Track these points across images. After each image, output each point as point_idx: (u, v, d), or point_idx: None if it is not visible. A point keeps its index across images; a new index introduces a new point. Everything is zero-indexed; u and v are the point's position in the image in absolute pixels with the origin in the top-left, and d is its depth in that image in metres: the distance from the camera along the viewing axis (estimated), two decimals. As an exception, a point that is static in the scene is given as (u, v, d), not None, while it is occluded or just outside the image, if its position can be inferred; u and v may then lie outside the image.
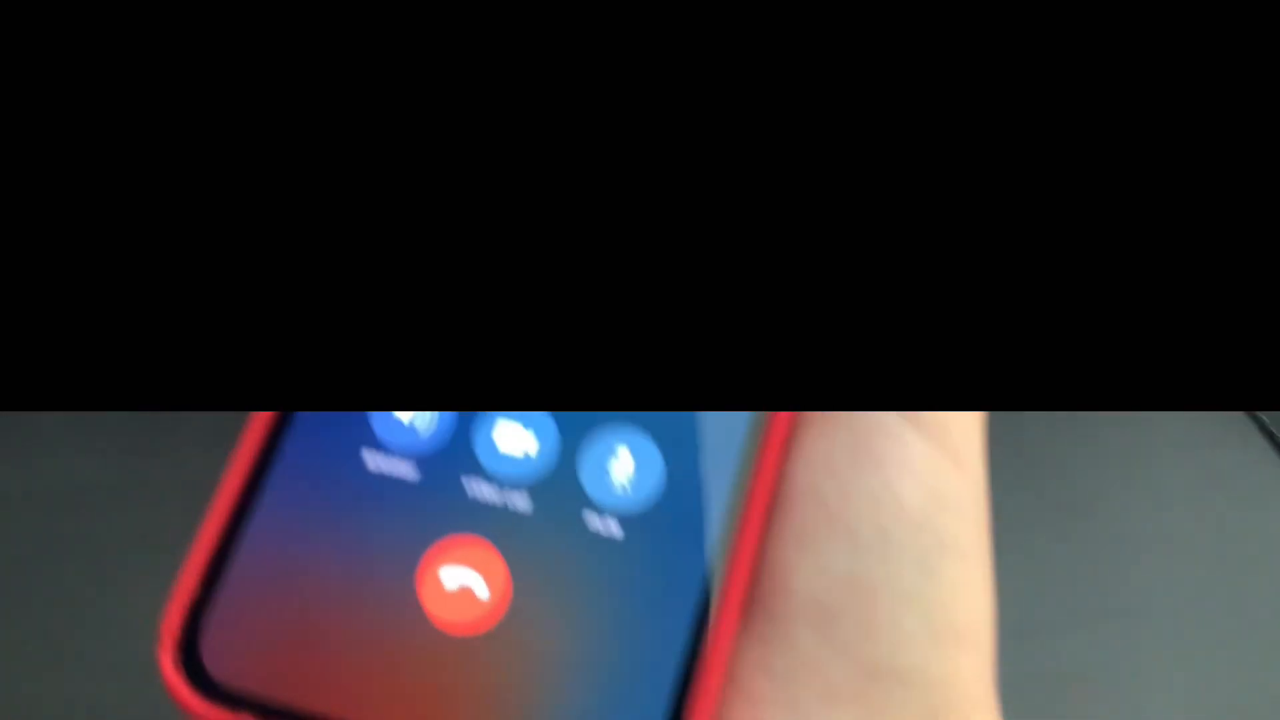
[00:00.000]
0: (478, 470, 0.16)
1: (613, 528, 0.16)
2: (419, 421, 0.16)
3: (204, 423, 0.33)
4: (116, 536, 0.31)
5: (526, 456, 0.16)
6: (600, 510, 0.16)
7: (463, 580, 0.15)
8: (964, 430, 0.16)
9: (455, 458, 0.16)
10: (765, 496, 0.16)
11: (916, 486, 0.16)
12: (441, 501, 0.16)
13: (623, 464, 0.16)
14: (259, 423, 0.16)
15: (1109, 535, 0.38)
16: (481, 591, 0.15)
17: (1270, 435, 0.40)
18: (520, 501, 0.16)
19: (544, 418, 0.16)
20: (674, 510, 0.16)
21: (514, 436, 0.16)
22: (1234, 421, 0.41)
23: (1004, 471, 0.18)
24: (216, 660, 0.15)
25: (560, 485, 0.16)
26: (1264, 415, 0.40)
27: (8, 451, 0.31)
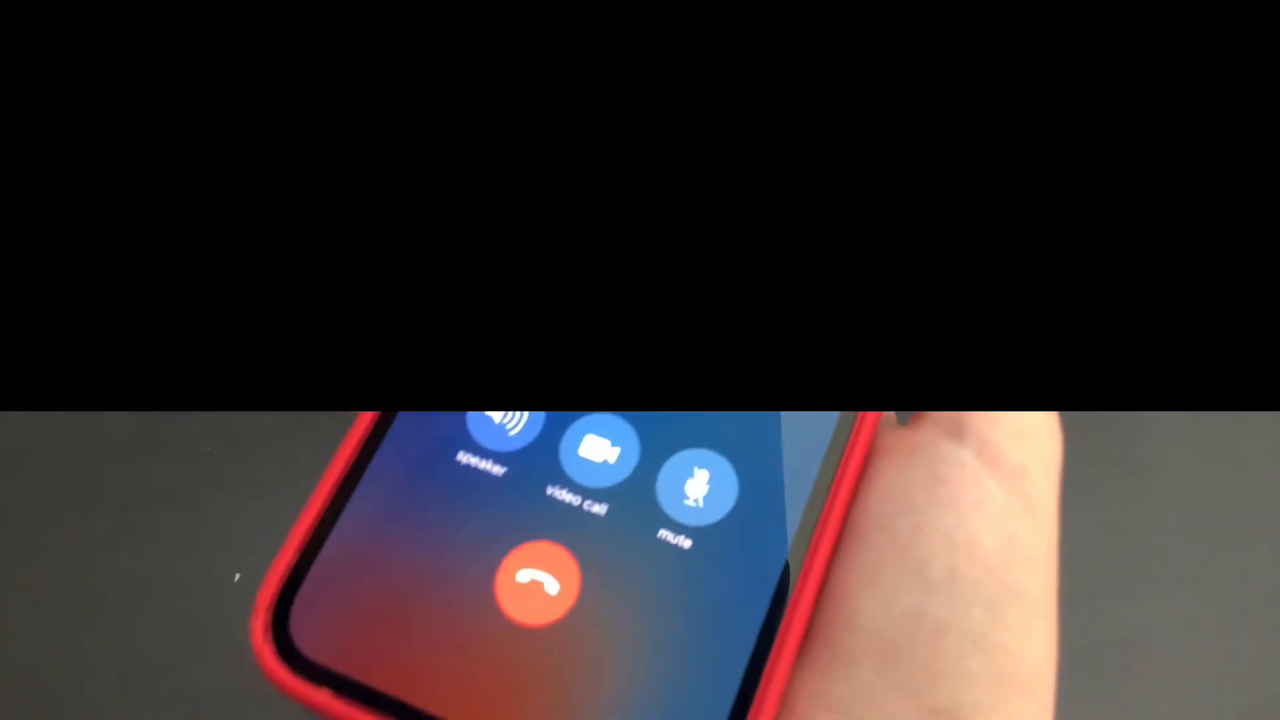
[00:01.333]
0: (560, 474, 0.17)
1: (682, 539, 0.16)
2: (509, 423, 0.17)
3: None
4: (143, 489, 0.31)
5: (606, 464, 0.17)
6: (671, 521, 0.16)
7: (535, 577, 0.16)
8: (1042, 478, 0.16)
9: (540, 460, 0.17)
10: (836, 524, 0.16)
11: (991, 530, 0.16)
12: (524, 503, 0.17)
13: (698, 480, 0.17)
14: (364, 418, 0.17)
15: (1170, 498, 0.36)
16: (552, 587, 0.16)
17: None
18: (597, 507, 0.17)
19: (627, 429, 0.17)
20: (744, 528, 0.16)
21: (597, 445, 0.17)
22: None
23: (1065, 430, 0.18)
24: (303, 635, 0.16)
25: (635, 494, 0.17)
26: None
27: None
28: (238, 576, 0.30)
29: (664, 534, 0.16)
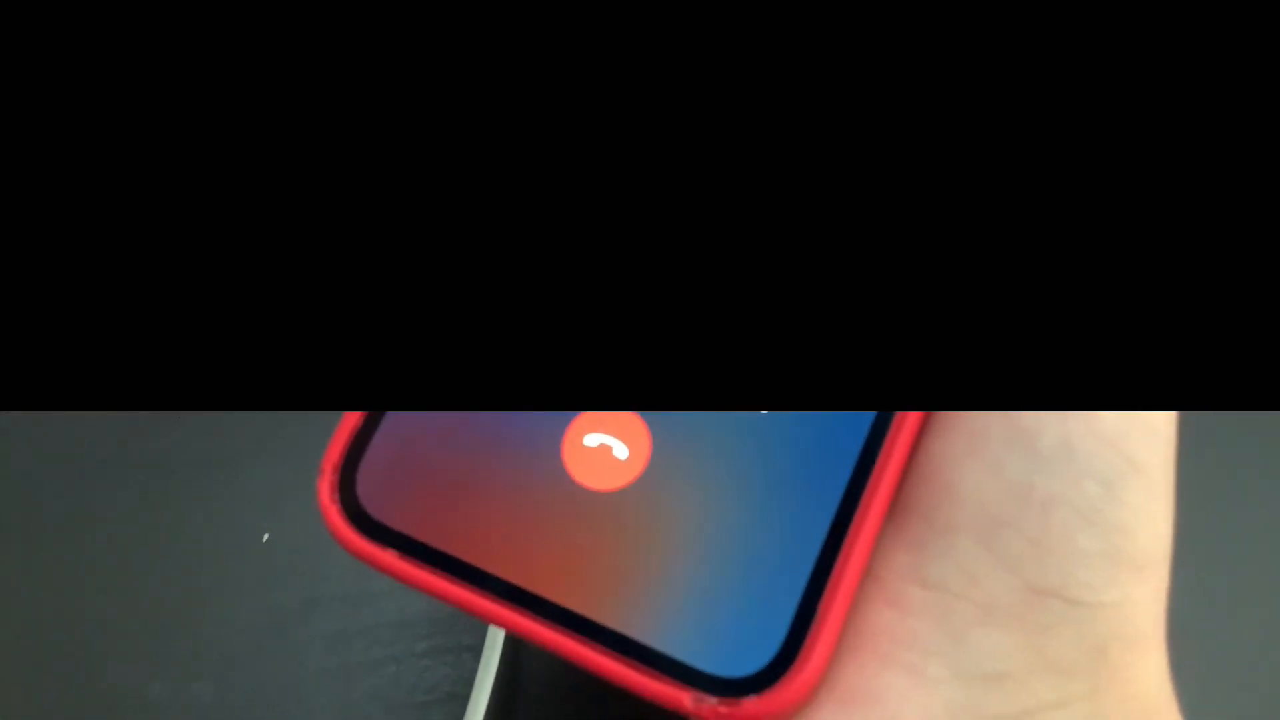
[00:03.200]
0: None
1: (762, 404, 0.15)
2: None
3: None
4: (174, 450, 0.32)
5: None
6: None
7: (604, 441, 0.15)
8: None
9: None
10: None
11: None
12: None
13: (780, 340, 0.15)
14: None
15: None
16: (621, 452, 0.15)
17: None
18: (670, 369, 0.15)
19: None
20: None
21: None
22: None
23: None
24: (369, 496, 0.15)
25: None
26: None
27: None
28: (266, 537, 0.30)
29: (741, 397, 0.15)
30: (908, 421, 0.15)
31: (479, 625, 0.29)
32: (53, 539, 0.31)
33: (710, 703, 0.14)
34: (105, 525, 0.31)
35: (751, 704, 0.14)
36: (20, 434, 0.32)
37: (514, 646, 0.29)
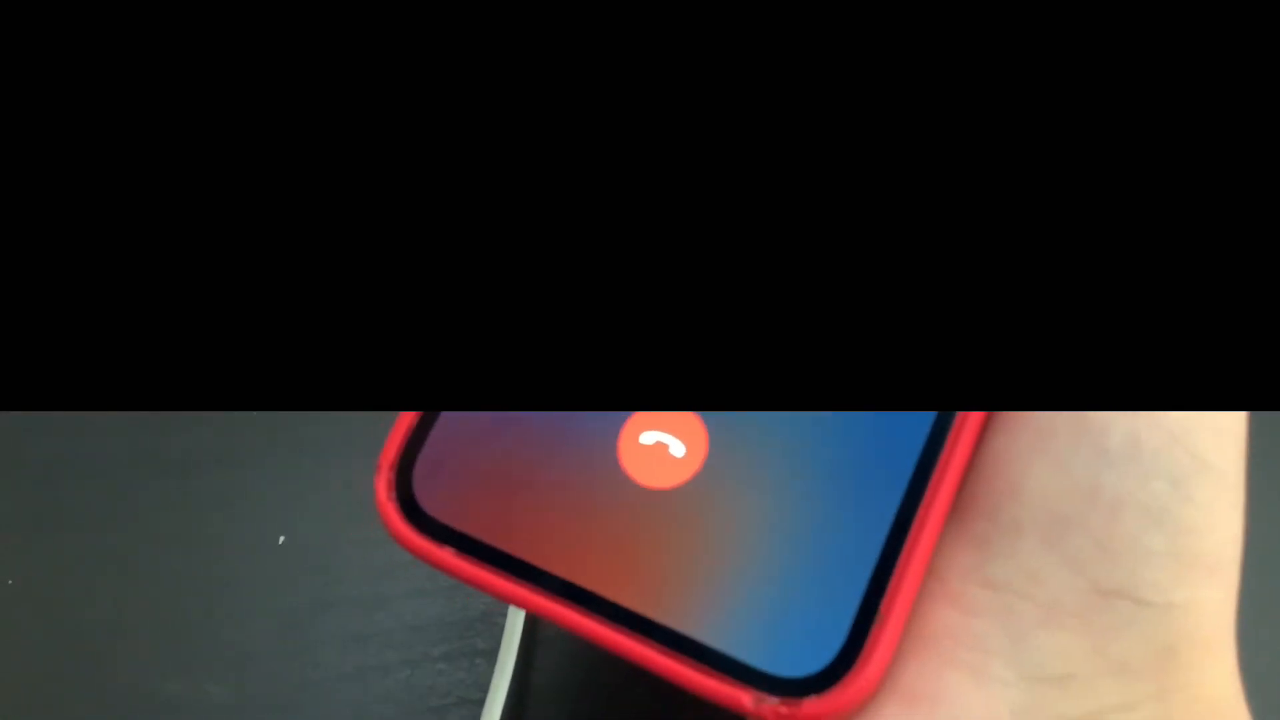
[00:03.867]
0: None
1: (821, 402, 0.15)
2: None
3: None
4: (192, 451, 0.31)
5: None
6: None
7: (660, 439, 0.15)
8: None
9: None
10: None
11: None
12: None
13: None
14: None
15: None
16: (677, 450, 0.15)
17: None
18: (727, 366, 0.15)
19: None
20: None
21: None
22: None
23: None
24: (425, 493, 0.15)
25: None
26: None
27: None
28: (282, 539, 0.30)
29: (800, 395, 0.15)
30: (971, 417, 0.14)
31: (494, 630, 0.29)
32: (69, 539, 0.30)
33: (771, 703, 0.14)
34: (121, 525, 0.30)
35: (812, 704, 0.14)
36: (38, 433, 0.32)
37: (528, 651, 0.28)
